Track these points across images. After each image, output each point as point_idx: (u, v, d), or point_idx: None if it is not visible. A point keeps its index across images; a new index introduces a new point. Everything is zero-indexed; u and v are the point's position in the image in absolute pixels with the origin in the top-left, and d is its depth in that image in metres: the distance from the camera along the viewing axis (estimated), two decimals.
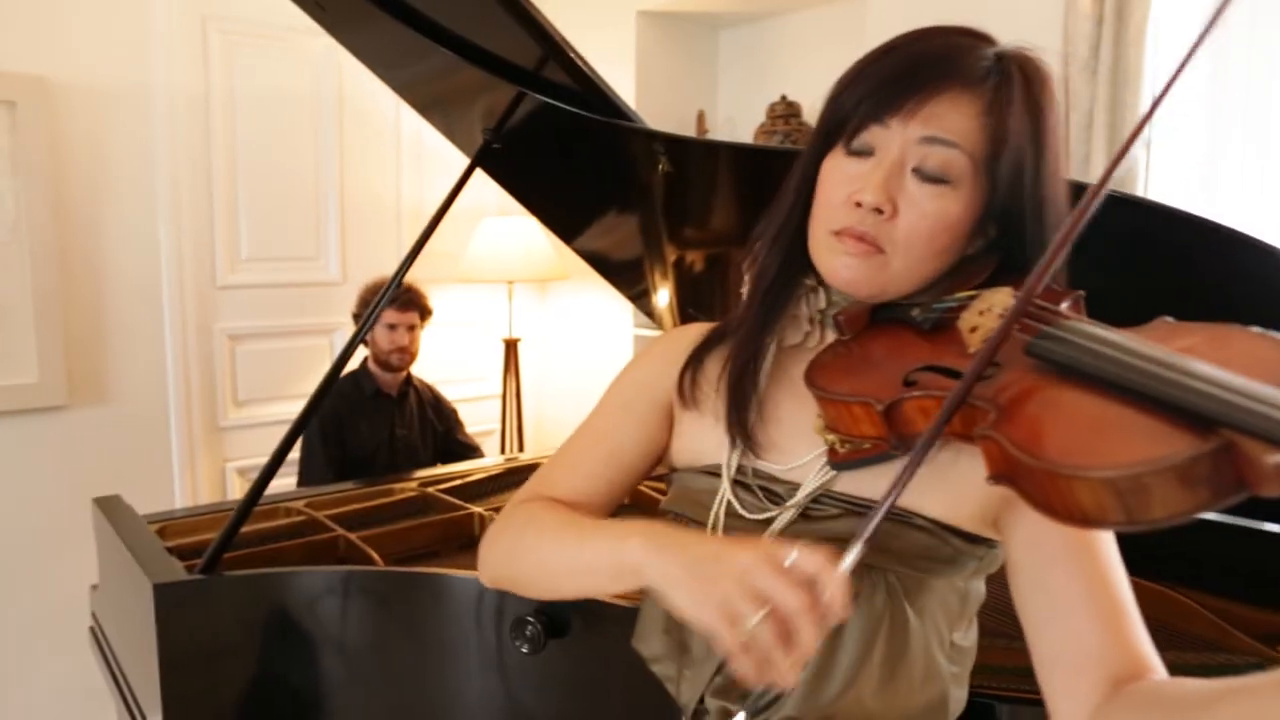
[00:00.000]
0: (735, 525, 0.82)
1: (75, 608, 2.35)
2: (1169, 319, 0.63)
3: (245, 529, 1.76)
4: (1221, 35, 1.94)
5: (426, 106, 1.93)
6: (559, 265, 3.37)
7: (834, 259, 0.76)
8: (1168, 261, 1.21)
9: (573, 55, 1.52)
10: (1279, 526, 1.38)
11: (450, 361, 3.57)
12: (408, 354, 2.75)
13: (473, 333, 3.69)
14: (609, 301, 3.35)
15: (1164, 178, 1.89)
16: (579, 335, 3.75)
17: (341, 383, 2.70)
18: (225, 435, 3.18)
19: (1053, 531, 0.72)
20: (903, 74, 0.73)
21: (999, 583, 1.55)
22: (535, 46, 1.50)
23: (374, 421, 2.74)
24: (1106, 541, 0.75)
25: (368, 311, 1.72)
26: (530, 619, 1.31)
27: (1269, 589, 1.41)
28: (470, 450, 2.92)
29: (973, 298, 0.74)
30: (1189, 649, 1.33)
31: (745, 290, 0.85)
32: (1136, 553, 1.49)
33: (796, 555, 0.59)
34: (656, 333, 2.24)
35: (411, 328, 2.73)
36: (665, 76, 3.36)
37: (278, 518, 1.93)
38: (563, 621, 1.31)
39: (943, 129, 0.72)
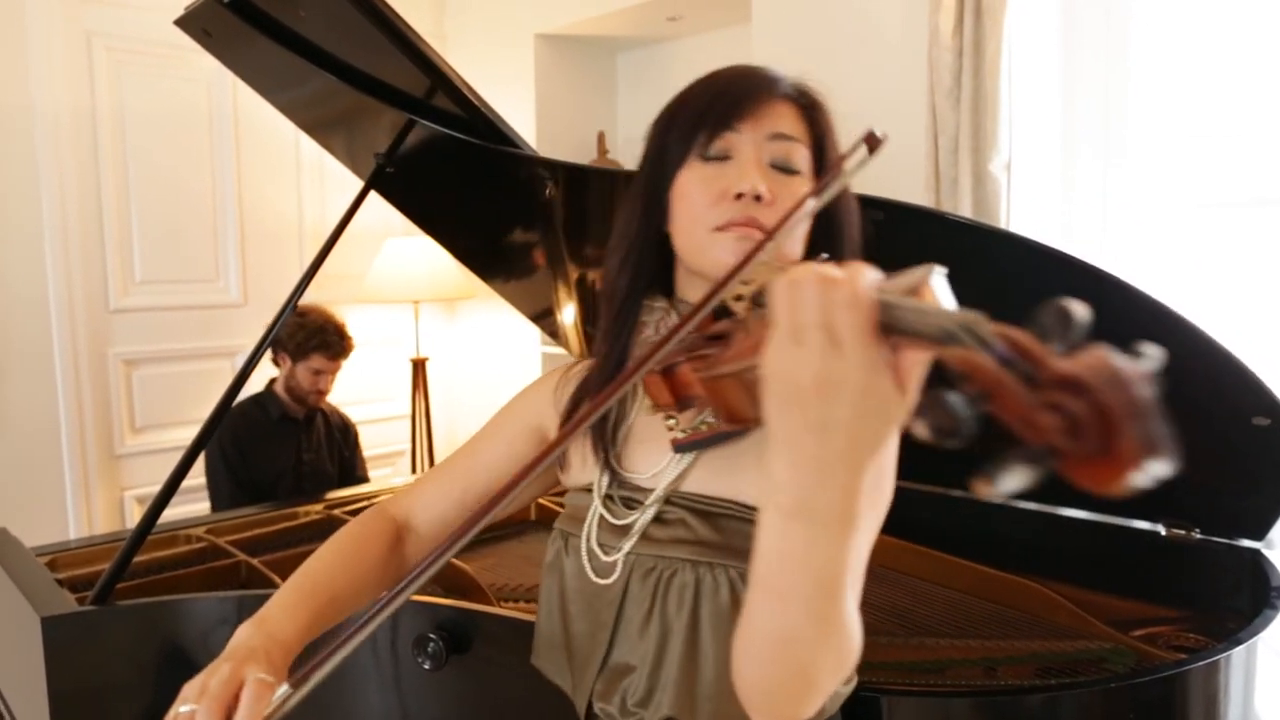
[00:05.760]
0: (604, 532, 0.89)
1: None
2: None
3: (143, 557, 1.72)
4: (1074, 53, 2.09)
5: (316, 129, 1.94)
6: (465, 284, 3.38)
7: (724, 250, 0.81)
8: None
9: (457, 82, 1.56)
10: (1131, 521, 1.49)
11: (357, 382, 3.53)
12: (324, 394, 2.74)
13: (379, 353, 3.66)
14: (517, 319, 3.38)
15: (1024, 197, 2.02)
16: (487, 353, 3.76)
17: (244, 405, 2.64)
18: (123, 463, 3.09)
19: None
20: (735, 90, 0.84)
21: (884, 582, 1.63)
22: (420, 74, 1.53)
23: (279, 445, 2.69)
24: None
25: (265, 339, 1.70)
26: (432, 635, 1.32)
27: (1123, 578, 1.52)
28: (359, 480, 2.89)
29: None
30: (1052, 637, 1.42)
31: (600, 329, 0.91)
32: (1004, 550, 1.60)
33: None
34: (563, 350, 2.29)
35: (334, 372, 2.72)
36: (565, 98, 3.41)
37: (178, 545, 1.89)
38: (463, 637, 1.34)
39: (784, 127, 0.83)
